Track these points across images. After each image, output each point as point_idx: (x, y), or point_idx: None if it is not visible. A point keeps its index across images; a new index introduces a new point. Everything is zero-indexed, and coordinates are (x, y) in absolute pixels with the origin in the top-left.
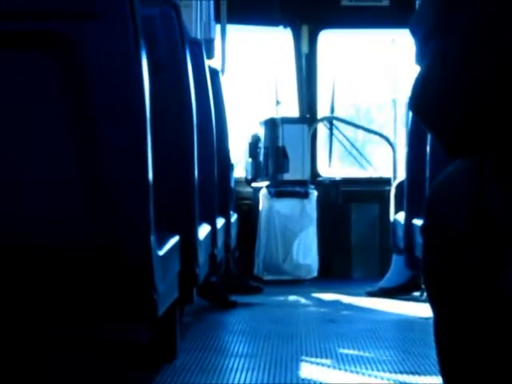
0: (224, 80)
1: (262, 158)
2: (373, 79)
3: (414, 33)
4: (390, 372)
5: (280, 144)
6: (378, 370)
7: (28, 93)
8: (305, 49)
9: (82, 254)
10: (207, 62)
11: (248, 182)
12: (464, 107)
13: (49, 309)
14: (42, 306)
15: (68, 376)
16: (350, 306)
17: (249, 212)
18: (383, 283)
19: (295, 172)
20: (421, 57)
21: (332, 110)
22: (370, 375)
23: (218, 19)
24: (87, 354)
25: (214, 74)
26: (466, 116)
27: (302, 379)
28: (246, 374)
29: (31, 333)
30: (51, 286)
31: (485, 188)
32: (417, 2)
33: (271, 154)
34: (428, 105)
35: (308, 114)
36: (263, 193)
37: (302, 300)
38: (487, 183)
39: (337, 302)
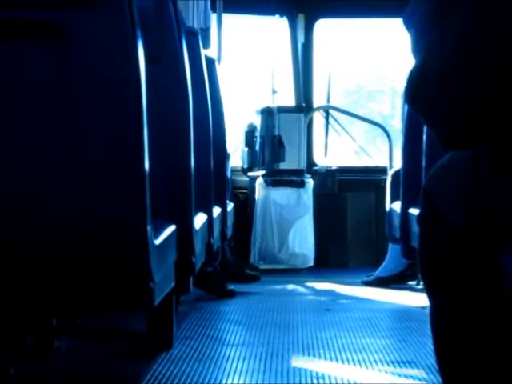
0: (220, 69)
1: (258, 147)
2: (370, 67)
3: (408, 25)
4: (387, 361)
5: (276, 133)
6: (374, 359)
7: (22, 83)
8: (301, 38)
9: (78, 243)
10: (203, 52)
11: (244, 171)
12: (460, 100)
13: (46, 299)
14: (41, 296)
15: (66, 365)
16: (345, 295)
17: (245, 201)
18: (379, 272)
19: (291, 161)
20: (416, 50)
21: (328, 99)
22: (365, 364)
23: (214, 8)
24: (85, 344)
25: (211, 63)
26: (462, 109)
27: (298, 368)
28: (243, 362)
29: (31, 321)
30: (48, 277)
31: (482, 178)
32: None
33: (267, 143)
34: (423, 98)
35: (304, 103)
36: (259, 182)
37: (298, 289)
38: (484, 173)
39: (333, 291)
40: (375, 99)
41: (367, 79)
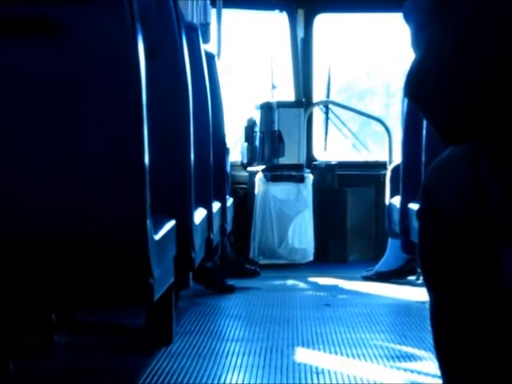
0: (220, 64)
1: (257, 142)
2: (363, 65)
3: (408, 20)
4: (386, 356)
5: (276, 128)
6: (374, 354)
7: (21, 79)
8: (301, 33)
9: (78, 239)
10: (203, 47)
11: (244, 166)
12: (460, 95)
13: (46, 294)
14: (40, 292)
15: (66, 361)
16: (345, 290)
17: (244, 196)
18: (379, 267)
19: (291, 156)
20: (416, 44)
21: (328, 94)
22: (365, 359)
23: (213, 3)
24: (84, 339)
25: (210, 58)
26: (462, 104)
27: (298, 363)
28: (242, 358)
29: (31, 317)
30: (48, 272)
31: (481, 173)
32: None
33: (267, 138)
34: (423, 92)
35: (304, 98)
36: (259, 177)
37: (298, 284)
38: (484, 168)
39: (332, 286)
40: (366, 97)
41: (358, 77)
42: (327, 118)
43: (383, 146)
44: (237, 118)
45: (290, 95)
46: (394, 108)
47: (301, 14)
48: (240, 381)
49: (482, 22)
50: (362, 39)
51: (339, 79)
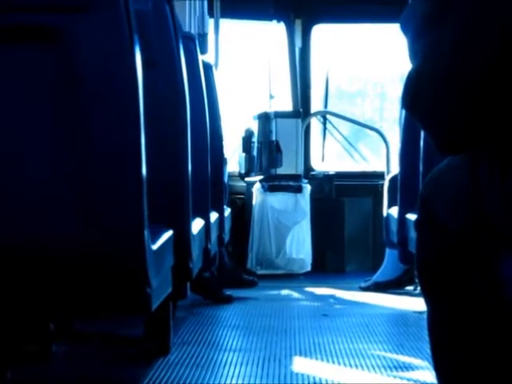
0: (218, 74)
1: (255, 152)
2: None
3: (404, 30)
4: (384, 366)
5: (273, 138)
6: (372, 364)
7: (19, 88)
8: (298, 43)
9: (76, 249)
10: (201, 57)
11: (241, 176)
12: (457, 103)
13: (44, 304)
14: (38, 301)
15: (64, 370)
16: (343, 301)
17: (242, 206)
18: (376, 277)
19: (289, 166)
20: (413, 54)
21: (326, 105)
22: (363, 369)
23: (211, 14)
24: (82, 349)
25: (208, 68)
26: (459, 113)
27: (296, 373)
28: (240, 368)
29: (29, 326)
30: (46, 282)
31: (480, 182)
32: None
33: (265, 149)
34: (420, 102)
35: (301, 108)
36: (257, 187)
37: (296, 294)
38: (482, 177)
39: (330, 297)
40: (357, 99)
41: (350, 80)
42: (325, 129)
43: (377, 153)
44: (234, 128)
45: (287, 105)
46: (387, 112)
47: (298, 24)
48: None
49: (478, 30)
50: (358, 48)
51: (332, 83)
